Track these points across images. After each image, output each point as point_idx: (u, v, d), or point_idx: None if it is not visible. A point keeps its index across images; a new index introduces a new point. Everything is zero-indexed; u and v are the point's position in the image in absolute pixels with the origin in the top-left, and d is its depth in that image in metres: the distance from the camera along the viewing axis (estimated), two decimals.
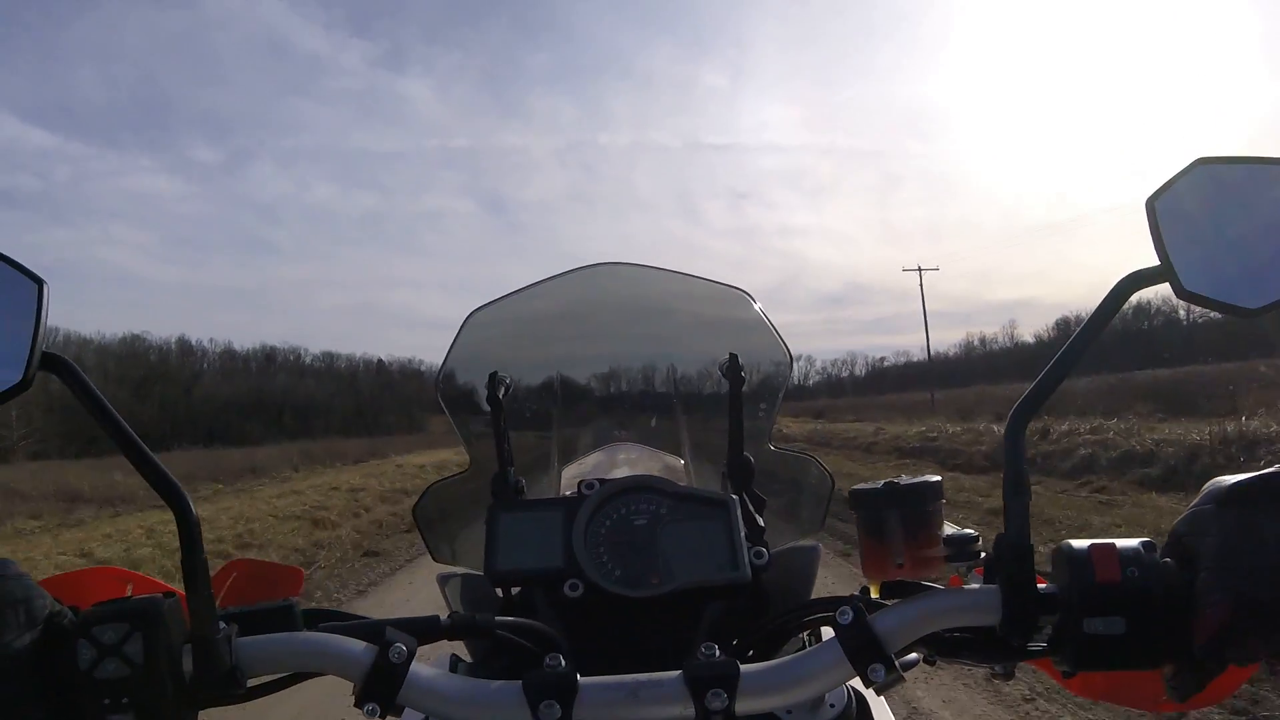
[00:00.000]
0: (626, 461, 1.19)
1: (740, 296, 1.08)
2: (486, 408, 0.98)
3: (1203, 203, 0.63)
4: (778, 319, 1.06)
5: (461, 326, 1.07)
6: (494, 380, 0.99)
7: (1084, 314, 0.65)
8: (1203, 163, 0.63)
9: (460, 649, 0.89)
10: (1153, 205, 0.63)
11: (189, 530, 0.60)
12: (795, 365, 1.05)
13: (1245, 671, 0.69)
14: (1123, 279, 0.63)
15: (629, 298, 1.16)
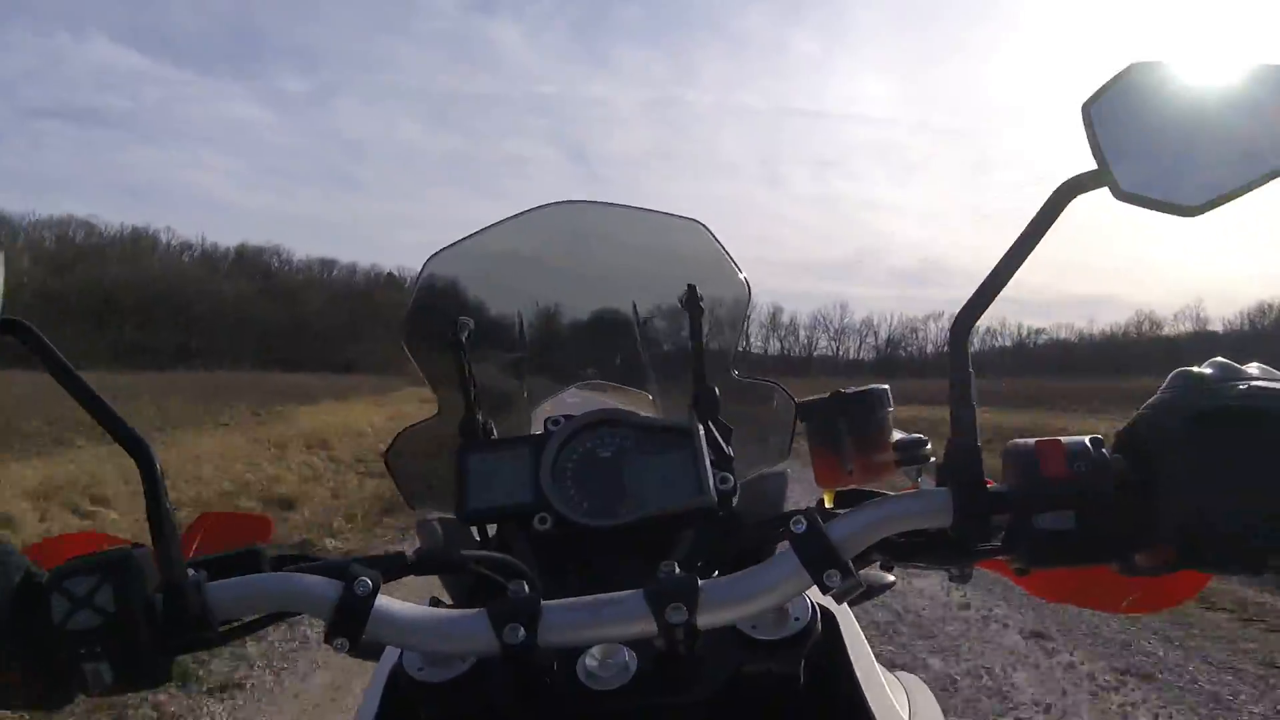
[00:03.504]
0: (595, 399, 1.20)
1: (695, 227, 1.09)
2: (450, 352, 0.99)
3: (1138, 107, 0.63)
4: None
5: (422, 270, 1.08)
6: (457, 323, 1.00)
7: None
8: (1137, 66, 0.63)
9: (441, 592, 0.91)
10: (1088, 110, 0.63)
11: (152, 481, 0.61)
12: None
13: (1205, 575, 0.72)
14: (1061, 184, 0.63)
15: (588, 235, 1.16)
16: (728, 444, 0.94)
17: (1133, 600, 0.77)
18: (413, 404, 17.38)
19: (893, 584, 0.90)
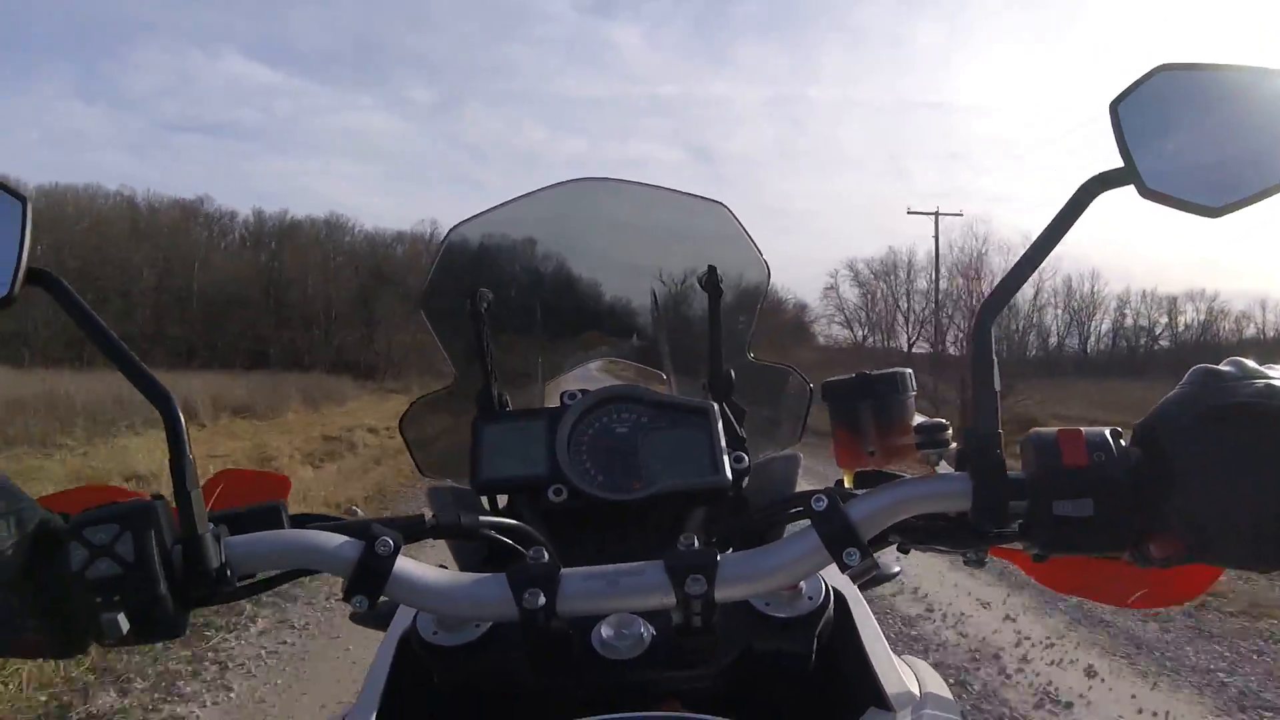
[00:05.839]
0: (609, 376, 1.21)
1: (718, 209, 1.09)
2: (469, 323, 0.99)
3: (1165, 108, 0.64)
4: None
5: (443, 242, 1.08)
6: (476, 295, 1.00)
7: None
8: (1165, 69, 0.64)
9: (450, 563, 0.92)
10: (1115, 109, 0.64)
11: (176, 432, 0.60)
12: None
13: (1215, 571, 0.72)
14: (1087, 181, 0.64)
15: (609, 213, 1.17)
16: (741, 425, 0.95)
17: (1142, 595, 0.77)
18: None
19: (897, 574, 0.91)
